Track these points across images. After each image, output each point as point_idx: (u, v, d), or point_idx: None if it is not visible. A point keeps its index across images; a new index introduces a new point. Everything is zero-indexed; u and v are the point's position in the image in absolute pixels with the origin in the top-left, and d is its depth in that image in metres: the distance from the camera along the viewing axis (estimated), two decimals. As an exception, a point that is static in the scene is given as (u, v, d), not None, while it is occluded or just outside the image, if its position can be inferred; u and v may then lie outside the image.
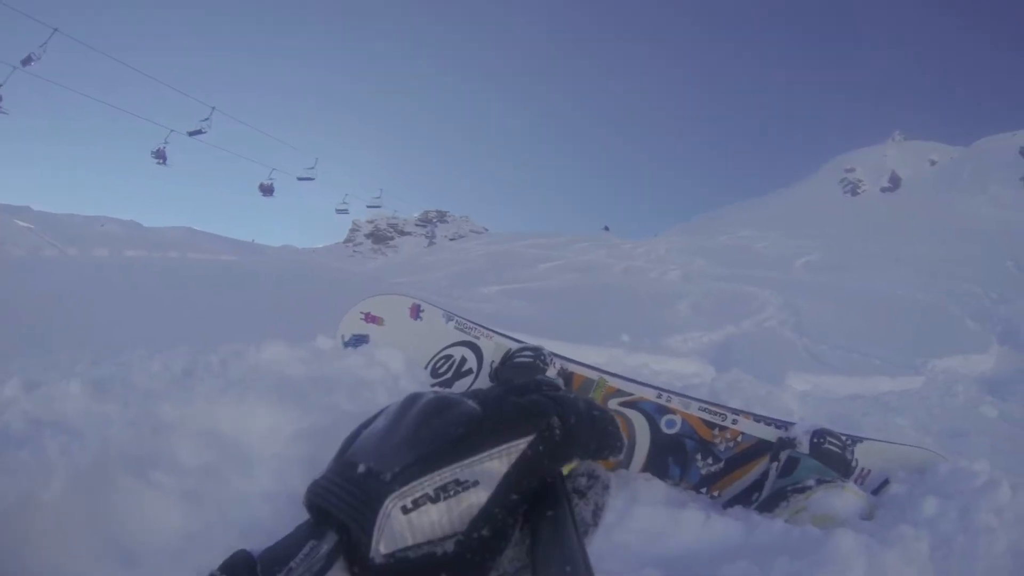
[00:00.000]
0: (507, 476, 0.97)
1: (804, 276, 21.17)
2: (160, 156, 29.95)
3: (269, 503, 1.52)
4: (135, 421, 1.77)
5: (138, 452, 1.63)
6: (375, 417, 1.13)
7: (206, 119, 26.38)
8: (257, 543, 1.37)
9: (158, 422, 1.77)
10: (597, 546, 1.40)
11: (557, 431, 1.05)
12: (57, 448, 1.59)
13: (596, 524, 1.15)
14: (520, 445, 1.00)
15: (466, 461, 0.95)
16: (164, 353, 2.55)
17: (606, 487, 1.18)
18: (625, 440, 1.23)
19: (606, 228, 28.19)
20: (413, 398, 1.10)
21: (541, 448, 1.02)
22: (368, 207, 37.08)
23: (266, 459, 1.69)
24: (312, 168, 31.21)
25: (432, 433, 0.99)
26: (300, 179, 31.10)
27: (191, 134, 26.55)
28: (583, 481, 1.18)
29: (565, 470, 1.15)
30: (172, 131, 28.61)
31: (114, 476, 1.54)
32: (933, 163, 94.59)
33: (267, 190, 33.48)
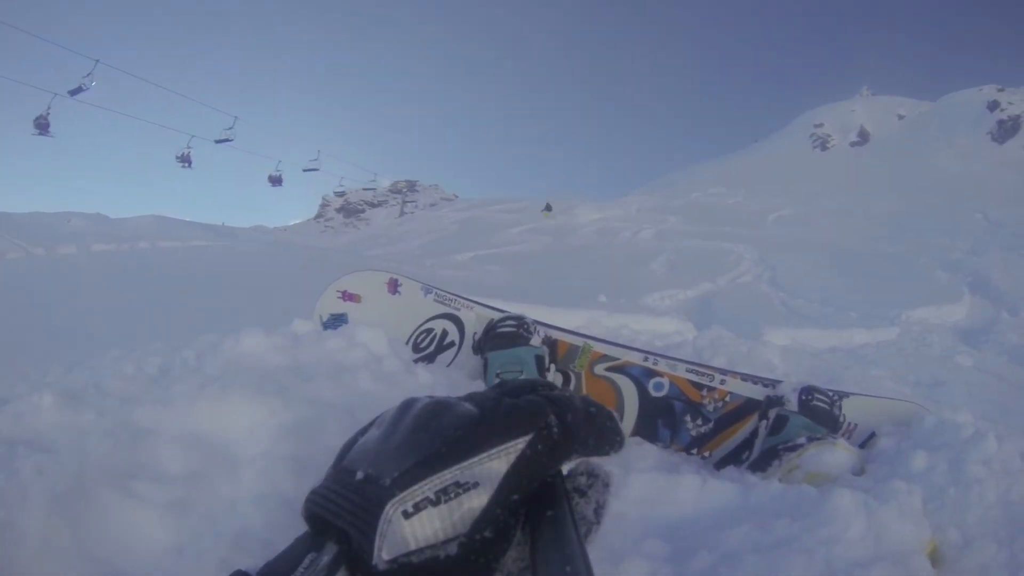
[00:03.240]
0: (507, 476, 0.96)
1: (777, 231, 21.38)
2: (185, 160, 30.20)
3: (259, 507, 1.47)
4: (112, 431, 1.70)
5: (117, 464, 1.55)
6: (371, 424, 1.11)
7: (88, 75, 24.87)
8: (250, 551, 1.32)
9: (136, 429, 1.69)
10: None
11: (555, 429, 1.04)
12: (32, 469, 1.52)
13: (598, 522, 1.15)
14: (519, 445, 0.99)
15: (465, 463, 0.94)
16: (138, 352, 2.48)
17: (606, 485, 1.17)
18: (625, 435, 1.22)
19: (548, 208, 26.74)
20: (408, 403, 1.08)
21: (540, 447, 1.01)
22: (304, 171, 35.90)
23: (252, 459, 1.63)
24: (230, 129, 29.21)
25: (430, 436, 0.97)
26: (218, 141, 29.88)
27: (71, 93, 25.14)
28: (583, 480, 1.17)
29: (564, 469, 1.14)
30: (194, 136, 28.31)
31: (94, 493, 1.47)
32: (901, 118, 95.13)
33: (276, 181, 34.24)
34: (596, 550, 1.37)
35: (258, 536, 1.37)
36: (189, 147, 29.97)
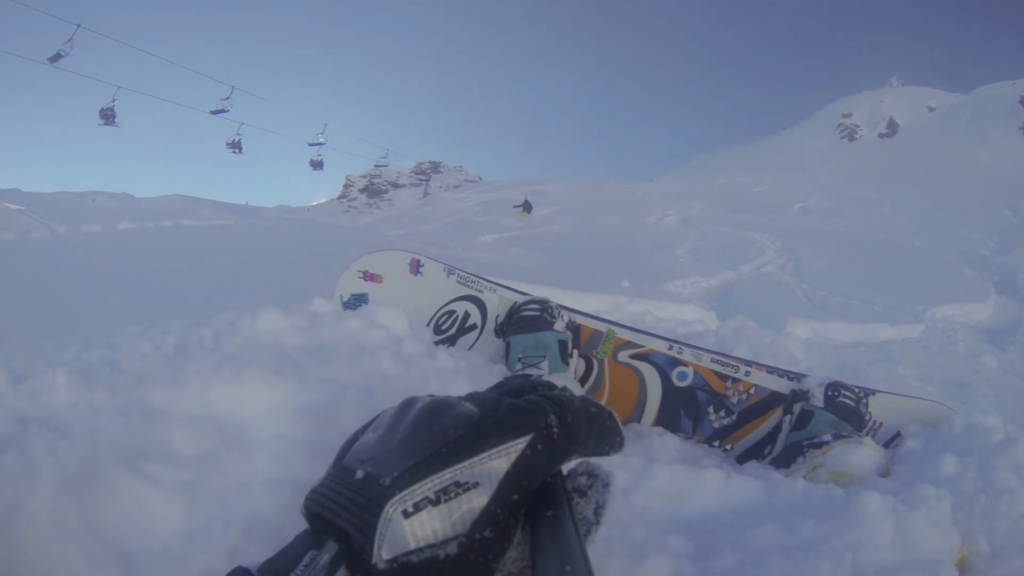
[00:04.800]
0: (507, 476, 0.94)
1: (801, 221, 21.26)
2: (236, 146, 31.09)
3: (272, 493, 1.44)
4: (125, 410, 1.66)
5: (129, 445, 1.53)
6: (371, 423, 1.09)
7: (68, 41, 24.71)
8: (260, 538, 1.31)
9: (149, 409, 1.67)
10: (618, 513, 1.37)
11: (555, 429, 1.01)
12: (43, 448, 1.49)
13: (598, 522, 1.12)
14: (519, 445, 0.96)
15: (466, 463, 0.91)
16: (155, 330, 2.47)
17: (606, 485, 1.15)
18: (625, 435, 1.20)
19: (527, 207, 24.16)
20: (409, 402, 1.06)
21: (540, 447, 0.98)
22: (310, 145, 36.04)
23: (265, 442, 1.60)
24: (227, 99, 29.50)
25: (430, 436, 0.95)
26: (213, 112, 29.74)
27: (51, 60, 25.05)
28: (583, 480, 1.15)
29: (564, 469, 1.13)
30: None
31: (105, 473, 1.45)
32: (931, 109, 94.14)
33: (317, 165, 36.37)
34: (618, 545, 1.34)
35: (269, 522, 1.35)
36: (240, 134, 30.75)
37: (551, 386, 1.17)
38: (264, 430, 1.64)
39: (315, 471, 1.23)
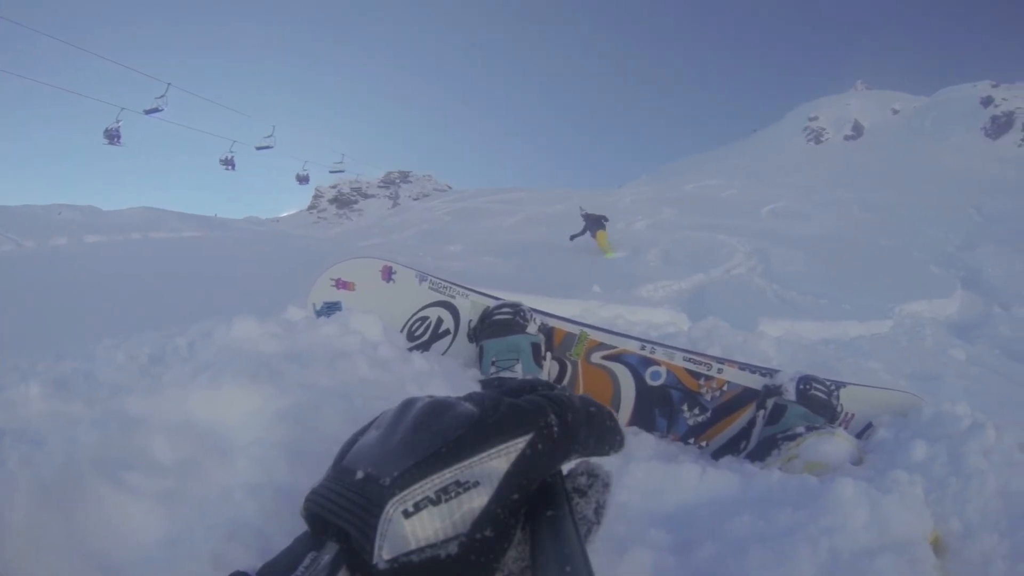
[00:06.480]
0: (507, 476, 0.94)
1: (771, 224, 21.41)
2: (229, 163, 31.26)
3: (254, 498, 1.43)
4: (101, 420, 1.64)
5: (107, 454, 1.51)
6: (370, 424, 1.09)
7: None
8: (244, 542, 1.29)
9: (126, 419, 1.64)
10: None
11: (555, 429, 1.02)
12: (18, 459, 1.46)
13: (598, 522, 1.13)
14: (519, 444, 0.97)
15: (466, 462, 0.92)
16: (130, 341, 2.44)
17: (606, 485, 1.16)
18: (624, 435, 1.21)
19: (591, 221, 23.61)
20: (408, 403, 1.06)
21: (540, 447, 0.99)
22: (257, 148, 35.89)
23: (245, 447, 1.58)
24: (162, 97, 28.69)
25: (430, 436, 0.95)
26: (147, 112, 28.50)
27: None
28: (583, 480, 1.16)
29: (564, 469, 1.13)
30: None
31: (84, 484, 1.43)
32: (896, 112, 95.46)
33: (303, 180, 37.33)
34: (599, 540, 1.36)
35: (252, 526, 1.34)
36: (232, 151, 30.97)
37: (551, 386, 1.17)
38: (243, 435, 1.62)
39: (295, 474, 1.21)
